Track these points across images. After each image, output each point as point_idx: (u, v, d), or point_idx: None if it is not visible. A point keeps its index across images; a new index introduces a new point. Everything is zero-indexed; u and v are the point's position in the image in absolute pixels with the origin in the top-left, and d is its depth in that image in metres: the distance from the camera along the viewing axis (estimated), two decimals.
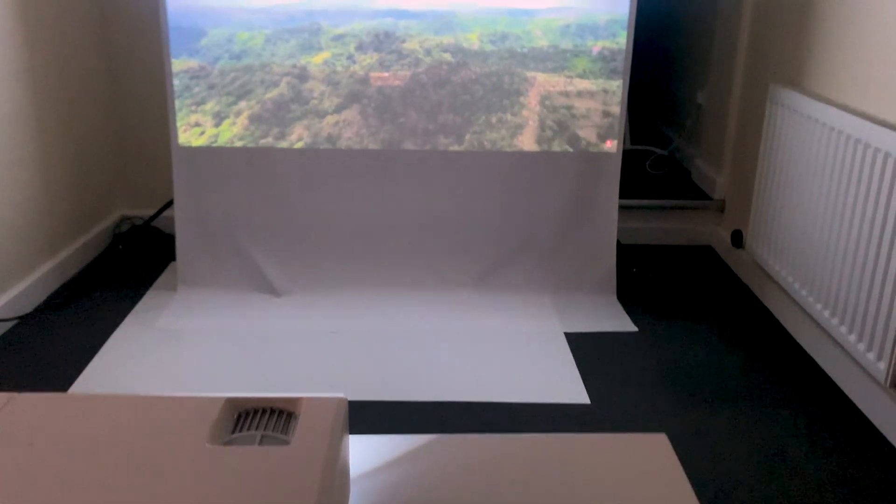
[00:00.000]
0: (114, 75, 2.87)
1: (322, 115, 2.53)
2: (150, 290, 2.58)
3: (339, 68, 2.49)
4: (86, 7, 2.71)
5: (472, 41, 2.48)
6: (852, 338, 1.93)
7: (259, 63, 2.49)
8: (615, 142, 2.52)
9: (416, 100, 2.53)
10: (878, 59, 1.93)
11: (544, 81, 2.52)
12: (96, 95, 2.80)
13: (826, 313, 2.07)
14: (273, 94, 2.52)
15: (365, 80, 2.52)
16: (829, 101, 2.11)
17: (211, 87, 2.48)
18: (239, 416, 1.38)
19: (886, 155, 1.79)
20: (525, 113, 2.53)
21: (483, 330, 2.35)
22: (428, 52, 2.49)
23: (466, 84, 2.53)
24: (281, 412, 1.40)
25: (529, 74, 2.52)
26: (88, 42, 2.74)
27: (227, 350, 2.20)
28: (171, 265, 2.74)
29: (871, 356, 1.84)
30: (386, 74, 2.50)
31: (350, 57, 2.49)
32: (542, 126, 2.53)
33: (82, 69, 2.70)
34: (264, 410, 1.40)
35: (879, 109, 1.92)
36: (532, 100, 2.49)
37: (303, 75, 2.52)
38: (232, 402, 1.39)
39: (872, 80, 1.96)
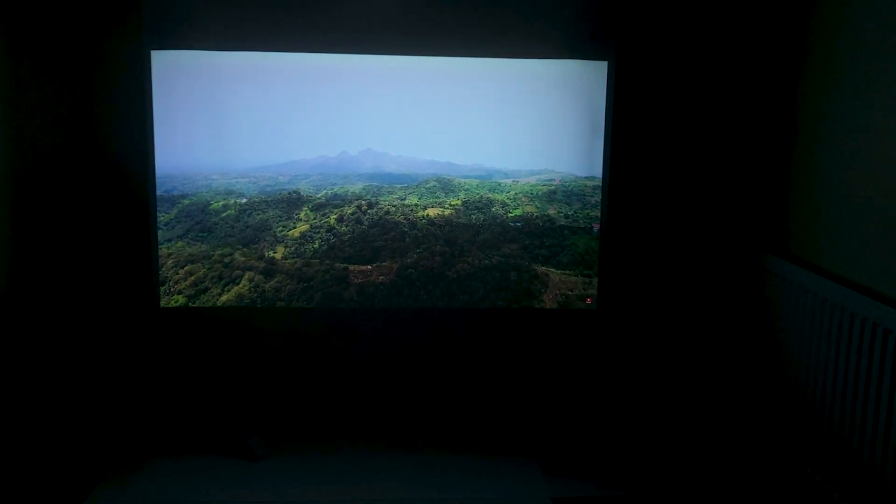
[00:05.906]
0: None
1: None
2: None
3: (316, 244, 2.24)
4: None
5: (458, 207, 2.35)
6: None
7: (220, 253, 2.17)
8: (594, 298, 2.54)
9: (405, 301, 2.24)
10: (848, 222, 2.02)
11: (559, 283, 2.22)
12: None
13: None
14: (230, 295, 2.14)
15: (343, 278, 2.19)
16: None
17: (162, 283, 2.19)
18: None
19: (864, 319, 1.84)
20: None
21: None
22: (413, 226, 2.25)
23: (463, 279, 2.20)
24: None
25: (540, 269, 2.22)
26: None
27: None
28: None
29: None
30: (368, 268, 2.14)
31: (330, 230, 2.28)
32: None
33: None
34: None
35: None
36: (548, 306, 2.20)
37: (269, 269, 2.19)
38: None
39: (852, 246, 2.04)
